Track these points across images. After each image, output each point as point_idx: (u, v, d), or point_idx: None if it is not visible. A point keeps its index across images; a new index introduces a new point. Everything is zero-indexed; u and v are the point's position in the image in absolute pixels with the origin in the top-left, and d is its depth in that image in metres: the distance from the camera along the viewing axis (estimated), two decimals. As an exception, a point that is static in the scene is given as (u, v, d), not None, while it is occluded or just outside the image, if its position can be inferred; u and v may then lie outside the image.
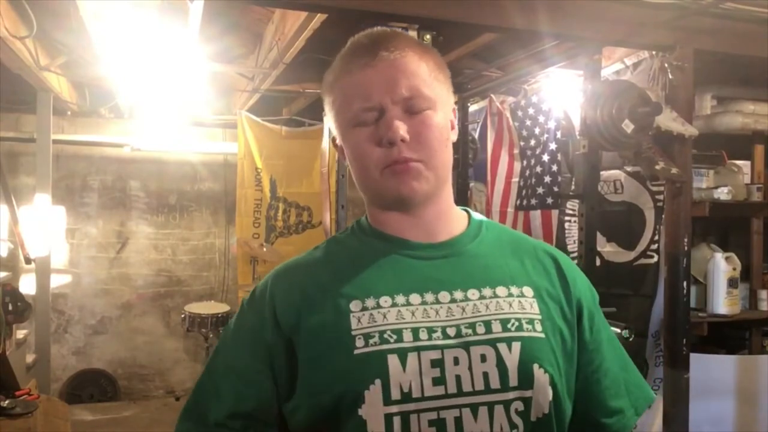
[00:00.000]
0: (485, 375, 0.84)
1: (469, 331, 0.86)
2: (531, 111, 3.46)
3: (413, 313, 0.86)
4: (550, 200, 3.29)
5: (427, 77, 0.90)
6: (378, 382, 0.82)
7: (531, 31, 2.25)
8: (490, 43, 3.05)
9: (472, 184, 3.71)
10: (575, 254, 2.99)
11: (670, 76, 2.34)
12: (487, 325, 0.86)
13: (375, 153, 0.88)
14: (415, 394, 0.82)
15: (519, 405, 0.84)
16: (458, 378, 0.83)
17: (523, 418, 0.84)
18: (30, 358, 3.91)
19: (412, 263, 0.91)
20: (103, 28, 2.59)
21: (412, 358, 0.83)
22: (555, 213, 3.33)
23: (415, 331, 0.85)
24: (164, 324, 5.47)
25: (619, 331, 1.91)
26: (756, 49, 2.40)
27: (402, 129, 0.87)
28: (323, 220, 3.38)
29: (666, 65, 2.34)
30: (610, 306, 2.50)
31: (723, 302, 2.87)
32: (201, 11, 2.31)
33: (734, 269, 2.90)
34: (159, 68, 3.17)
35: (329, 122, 0.98)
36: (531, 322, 0.88)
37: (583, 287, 0.97)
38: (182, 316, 4.66)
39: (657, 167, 2.28)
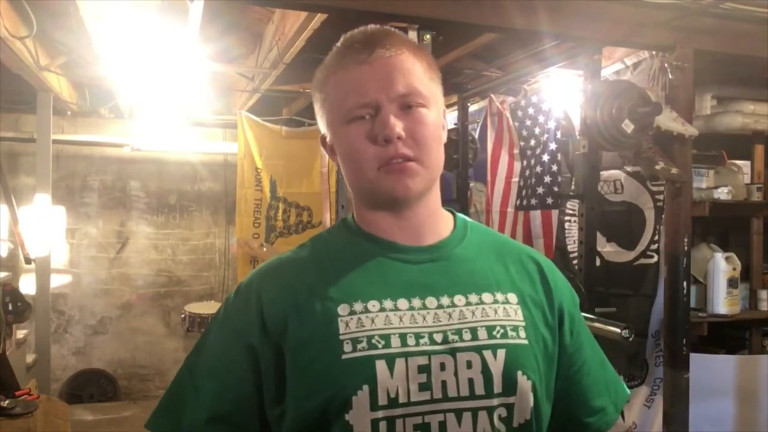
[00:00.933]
0: (470, 381, 0.84)
1: (456, 337, 0.86)
2: (531, 111, 3.46)
3: (401, 319, 0.86)
4: (550, 200, 3.29)
5: (422, 76, 0.90)
6: (366, 387, 0.82)
7: (531, 31, 2.24)
8: (490, 43, 3.05)
9: (472, 184, 3.71)
10: (575, 254, 2.99)
11: (670, 76, 2.33)
12: (474, 331, 0.87)
13: (370, 150, 0.87)
14: (402, 399, 0.82)
15: (502, 411, 0.85)
16: (444, 383, 0.84)
17: (505, 423, 0.85)
18: (30, 358, 3.91)
19: (400, 267, 0.91)
20: (103, 28, 2.59)
21: (399, 363, 0.83)
22: (555, 213, 3.33)
23: (403, 337, 0.85)
24: (164, 324, 5.47)
25: (619, 331, 1.91)
26: (756, 49, 2.40)
27: (398, 126, 0.86)
28: (323, 220, 3.38)
29: (666, 65, 2.34)
30: (610, 306, 2.51)
31: (723, 302, 2.87)
32: (201, 11, 2.31)
33: (734, 269, 2.90)
34: (159, 68, 3.17)
35: (319, 120, 0.97)
36: (515, 329, 0.89)
37: (565, 291, 0.98)
38: (182, 316, 4.66)
39: (657, 167, 2.28)
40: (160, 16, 2.49)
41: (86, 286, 5.29)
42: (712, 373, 2.77)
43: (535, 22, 2.15)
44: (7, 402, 2.46)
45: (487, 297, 0.90)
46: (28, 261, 3.41)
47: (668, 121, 2.29)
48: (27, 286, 4.03)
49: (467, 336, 0.86)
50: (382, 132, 0.86)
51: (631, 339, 1.91)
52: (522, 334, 0.89)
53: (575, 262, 3.02)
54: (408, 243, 0.92)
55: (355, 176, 0.91)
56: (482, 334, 0.87)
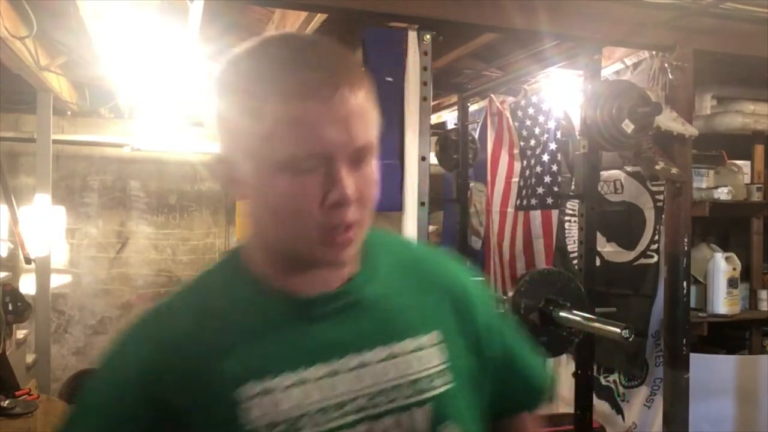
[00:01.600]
0: None
1: (379, 400, 0.77)
2: (531, 111, 3.46)
3: (319, 389, 0.74)
4: (550, 200, 3.29)
5: (374, 117, 0.75)
6: None
7: (531, 31, 2.24)
8: (490, 43, 3.05)
9: (472, 184, 3.71)
10: (575, 254, 2.99)
11: (670, 76, 2.33)
12: (397, 389, 0.79)
13: (313, 212, 0.71)
14: None
15: None
16: None
17: None
18: (30, 358, 3.91)
19: (310, 324, 0.77)
20: (103, 28, 2.59)
21: None
22: (555, 213, 3.33)
23: (322, 413, 0.74)
24: (164, 324, 5.47)
25: (619, 331, 1.91)
26: (756, 49, 2.40)
27: (351, 188, 0.71)
28: (323, 220, 3.38)
29: (666, 65, 2.34)
30: (610, 306, 2.50)
31: (723, 302, 2.87)
32: (201, 11, 2.31)
33: (734, 269, 2.90)
34: (159, 68, 3.18)
35: (223, 136, 0.78)
36: (440, 374, 0.82)
37: (477, 303, 0.91)
38: (182, 316, 4.65)
39: (657, 167, 2.28)
40: (160, 16, 2.49)
41: (86, 286, 5.29)
42: (712, 373, 2.77)
43: (535, 22, 2.15)
44: (7, 402, 2.46)
45: (407, 344, 0.81)
46: (28, 261, 3.41)
47: (668, 121, 2.29)
48: (27, 286, 4.03)
49: (391, 396, 0.78)
50: (336, 194, 0.71)
51: (631, 339, 1.91)
52: (448, 377, 0.82)
53: (575, 262, 3.02)
54: (314, 293, 0.79)
55: (284, 237, 0.75)
56: (406, 391, 0.79)
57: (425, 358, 0.81)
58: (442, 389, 0.81)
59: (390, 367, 0.79)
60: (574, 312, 2.06)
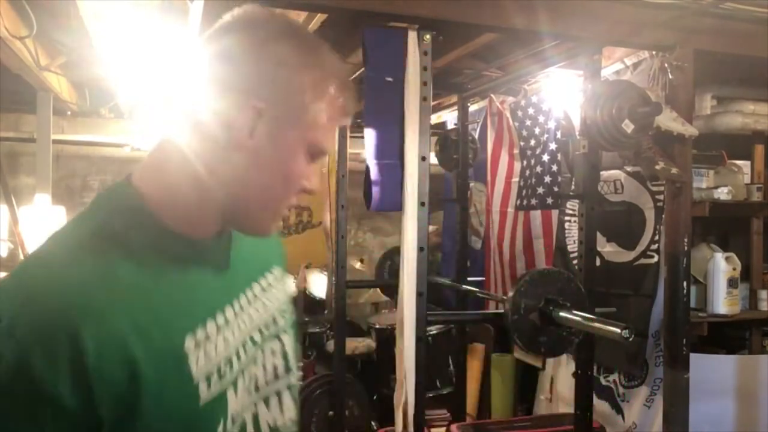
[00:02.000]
0: (274, 368, 0.91)
1: (265, 330, 0.90)
2: (531, 111, 3.45)
3: (233, 332, 0.82)
4: (550, 200, 3.29)
5: None
6: (222, 420, 0.79)
7: (531, 31, 2.24)
8: (490, 43, 3.05)
9: (472, 184, 3.71)
10: (575, 254, 2.99)
11: (670, 76, 2.33)
12: (274, 320, 0.93)
13: (296, 189, 0.83)
14: (239, 411, 0.84)
15: (293, 379, 0.95)
16: (255, 378, 0.88)
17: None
18: (30, 358, 3.91)
19: (214, 267, 0.83)
20: (103, 28, 2.59)
21: (240, 382, 0.83)
22: (555, 213, 3.33)
23: (238, 353, 0.83)
24: (164, 324, 5.47)
25: (619, 331, 1.91)
26: (756, 49, 2.40)
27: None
28: (323, 220, 3.38)
29: (666, 65, 2.34)
30: (610, 306, 2.51)
31: (723, 302, 2.87)
32: (201, 11, 2.31)
33: (734, 269, 2.90)
34: (159, 68, 3.17)
35: (282, 93, 0.78)
36: (288, 303, 0.98)
37: None
38: (182, 316, 4.65)
39: (657, 167, 2.28)
40: (160, 16, 2.49)
41: (86, 286, 5.29)
42: (712, 373, 2.78)
43: (535, 22, 2.15)
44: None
45: (270, 276, 0.95)
46: (28, 261, 3.40)
47: (668, 121, 2.29)
48: (27, 286, 4.02)
49: (271, 326, 0.92)
50: (312, 184, 0.83)
51: (631, 339, 1.91)
52: (290, 306, 0.98)
53: (575, 262, 3.02)
54: (210, 234, 0.82)
55: (264, 190, 0.80)
56: (279, 319, 0.94)
57: (282, 288, 0.97)
58: (291, 316, 0.97)
59: (267, 298, 0.92)
60: (574, 312, 2.06)
